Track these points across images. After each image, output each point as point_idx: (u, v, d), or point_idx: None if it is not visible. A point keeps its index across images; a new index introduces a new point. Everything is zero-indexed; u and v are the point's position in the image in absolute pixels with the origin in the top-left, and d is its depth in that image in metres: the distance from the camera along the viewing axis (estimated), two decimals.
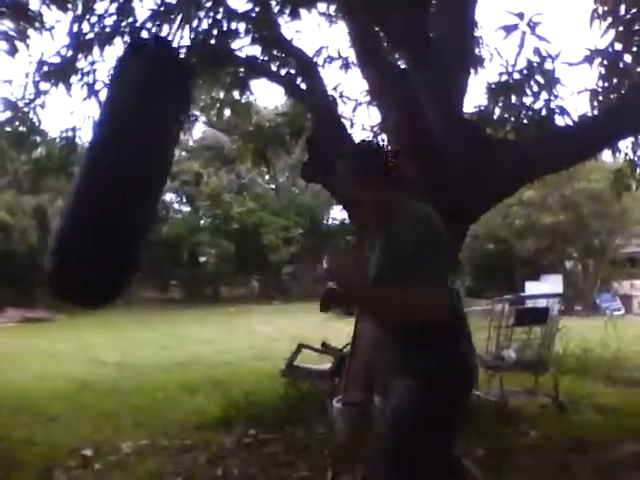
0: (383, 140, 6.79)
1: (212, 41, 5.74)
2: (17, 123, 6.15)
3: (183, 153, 30.74)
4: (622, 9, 5.21)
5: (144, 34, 5.27)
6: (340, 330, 9.46)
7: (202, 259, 30.36)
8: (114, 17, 5.52)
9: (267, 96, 37.51)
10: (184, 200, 31.09)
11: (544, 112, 5.32)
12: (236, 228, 28.47)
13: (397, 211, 2.37)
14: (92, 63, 5.72)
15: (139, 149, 2.28)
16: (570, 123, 5.23)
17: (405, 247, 2.27)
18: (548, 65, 5.19)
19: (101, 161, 2.32)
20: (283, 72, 6.02)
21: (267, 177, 31.17)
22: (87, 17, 5.55)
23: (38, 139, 6.41)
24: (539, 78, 5.26)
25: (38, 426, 5.48)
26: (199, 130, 29.91)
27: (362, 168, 2.46)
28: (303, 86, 5.81)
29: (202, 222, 30.45)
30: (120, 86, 2.49)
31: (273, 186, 33.06)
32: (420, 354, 2.34)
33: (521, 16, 4.82)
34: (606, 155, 6.57)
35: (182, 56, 2.77)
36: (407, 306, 2.26)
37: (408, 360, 2.38)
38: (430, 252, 2.27)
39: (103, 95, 5.84)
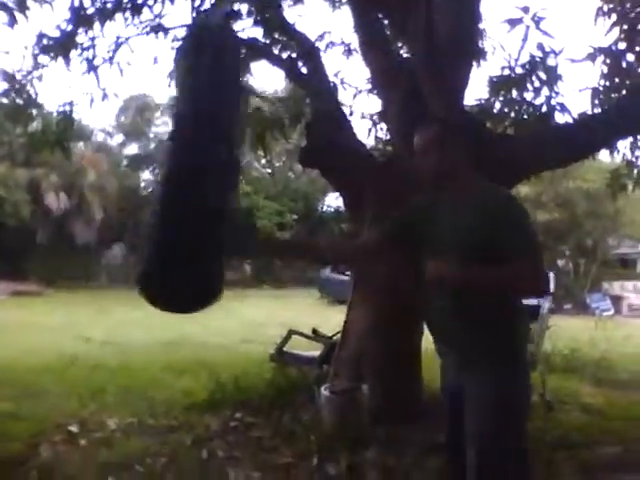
0: (382, 129, 6.79)
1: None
2: (14, 95, 6.10)
3: None
4: (627, 7, 5.18)
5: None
6: (330, 317, 9.47)
7: None
8: None
9: (266, 79, 37.37)
10: None
11: (545, 108, 5.30)
12: None
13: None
14: (92, 38, 5.69)
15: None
16: (570, 120, 5.22)
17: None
18: (551, 61, 5.16)
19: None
20: (285, 56, 5.98)
21: (263, 161, 31.06)
22: None
23: (35, 112, 6.36)
24: (541, 74, 5.24)
25: (24, 400, 5.46)
26: None
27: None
28: (304, 70, 5.78)
29: None
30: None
31: (269, 170, 32.95)
32: (500, 336, 2.28)
33: (526, 10, 4.78)
34: (603, 154, 6.55)
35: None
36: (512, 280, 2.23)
37: (488, 345, 2.29)
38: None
39: (102, 71, 5.82)
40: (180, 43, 2.49)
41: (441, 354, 2.48)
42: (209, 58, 2.26)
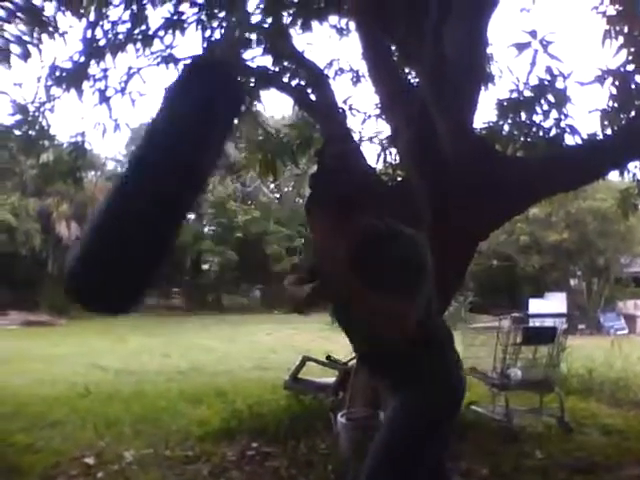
0: (391, 153, 6.81)
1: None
2: (26, 127, 6.17)
3: None
4: (635, 30, 5.21)
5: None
6: (341, 342, 9.45)
7: (205, 267, 30.37)
8: (127, 24, 5.56)
9: (274, 105, 37.67)
10: None
11: (554, 131, 5.31)
12: (240, 237, 28.46)
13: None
14: (104, 70, 5.75)
15: (179, 168, 2.25)
16: (580, 142, 5.22)
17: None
18: (559, 84, 5.19)
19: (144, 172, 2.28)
20: (294, 83, 6.02)
21: (272, 186, 31.19)
22: (100, 23, 5.58)
23: (47, 143, 6.42)
24: (550, 96, 5.26)
25: (38, 432, 5.43)
26: None
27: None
28: (313, 97, 5.82)
29: (206, 230, 30.46)
30: (171, 105, 2.45)
31: (277, 195, 33.07)
32: (407, 370, 2.37)
33: (534, 34, 4.82)
34: (613, 174, 6.54)
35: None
36: (376, 310, 2.27)
37: (396, 375, 2.43)
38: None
39: (114, 102, 5.88)
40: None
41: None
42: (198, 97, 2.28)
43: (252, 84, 6.18)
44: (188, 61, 4.86)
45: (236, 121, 2.73)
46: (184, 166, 2.22)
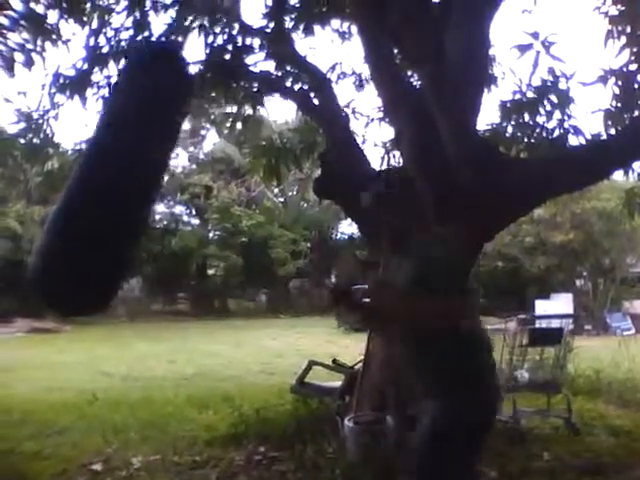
0: (394, 156, 6.81)
1: (227, 56, 5.79)
2: (31, 135, 6.19)
3: (193, 166, 30.84)
4: (637, 29, 5.20)
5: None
6: (348, 346, 9.43)
7: (210, 272, 30.37)
8: (130, 31, 5.58)
9: (278, 110, 37.68)
10: (193, 212, 31.16)
11: (557, 131, 5.31)
12: (244, 241, 28.46)
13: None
14: (108, 77, 5.77)
15: (132, 158, 2.25)
16: (583, 143, 5.21)
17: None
18: (562, 85, 5.19)
19: (96, 170, 2.28)
20: (297, 88, 6.03)
21: (276, 190, 31.21)
22: (103, 31, 5.60)
23: (51, 151, 6.44)
24: (553, 97, 5.25)
25: (46, 439, 5.45)
26: (209, 143, 30.08)
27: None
28: (316, 102, 5.83)
29: (211, 235, 30.46)
30: (119, 95, 2.50)
31: (282, 199, 33.08)
32: (445, 372, 2.36)
33: (536, 36, 4.82)
34: (617, 174, 6.52)
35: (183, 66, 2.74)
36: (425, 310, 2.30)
37: (434, 379, 2.40)
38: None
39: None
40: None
41: None
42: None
43: (255, 89, 6.21)
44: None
45: (185, 106, 2.75)
46: (134, 150, 2.23)
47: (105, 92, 5.76)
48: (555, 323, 6.28)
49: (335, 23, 6.48)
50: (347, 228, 30.24)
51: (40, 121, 6.13)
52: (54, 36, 5.56)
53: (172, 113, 2.44)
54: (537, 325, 6.51)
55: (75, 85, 5.74)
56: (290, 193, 32.74)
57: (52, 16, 5.55)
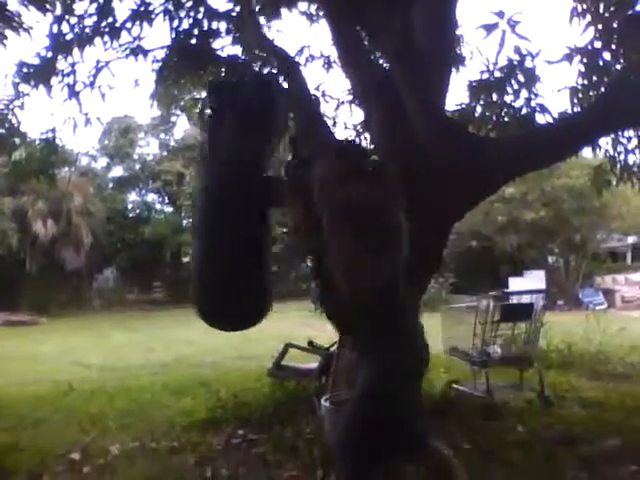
0: (366, 139, 6.82)
1: (193, 41, 5.73)
2: None
3: (164, 153, 30.56)
4: (601, 7, 5.25)
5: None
6: (325, 328, 9.44)
7: (185, 259, 30.20)
8: (94, 18, 5.49)
9: None
10: (166, 200, 30.93)
11: (525, 110, 5.35)
12: None
13: None
14: (72, 64, 5.68)
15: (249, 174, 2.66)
16: (550, 121, 5.27)
17: None
18: (528, 63, 5.22)
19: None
20: (265, 71, 6.00)
21: None
22: (67, 18, 5.51)
23: (18, 141, 6.35)
24: (520, 76, 5.29)
25: (23, 431, 5.42)
26: (180, 130, 29.81)
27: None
28: (285, 85, 5.80)
29: (184, 222, 30.28)
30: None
31: None
32: (376, 334, 2.51)
33: (501, 15, 4.83)
34: (586, 151, 6.60)
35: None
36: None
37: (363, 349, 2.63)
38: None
39: (84, 96, 5.82)
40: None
41: None
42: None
43: (222, 74, 6.16)
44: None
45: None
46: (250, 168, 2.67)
47: (70, 80, 5.68)
48: (526, 299, 6.38)
49: (302, 6, 6.47)
50: None
51: (5, 111, 6.04)
52: (15, 24, 5.46)
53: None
54: (510, 302, 6.60)
55: (39, 74, 5.65)
56: None
57: (12, 3, 5.47)
